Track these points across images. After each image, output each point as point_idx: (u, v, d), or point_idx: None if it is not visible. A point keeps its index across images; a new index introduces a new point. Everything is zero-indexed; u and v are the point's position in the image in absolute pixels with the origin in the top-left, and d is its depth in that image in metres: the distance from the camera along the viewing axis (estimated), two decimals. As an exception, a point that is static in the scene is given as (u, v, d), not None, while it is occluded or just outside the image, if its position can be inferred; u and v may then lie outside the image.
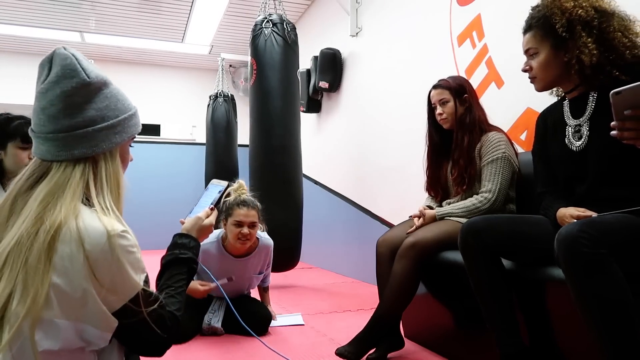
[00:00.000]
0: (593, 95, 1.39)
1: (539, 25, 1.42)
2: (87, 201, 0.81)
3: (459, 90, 1.94)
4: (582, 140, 1.39)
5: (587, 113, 1.40)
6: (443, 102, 1.95)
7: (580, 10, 1.35)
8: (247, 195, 2.17)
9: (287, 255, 3.34)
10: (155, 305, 0.85)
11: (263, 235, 2.28)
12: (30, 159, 1.54)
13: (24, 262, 0.71)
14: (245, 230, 2.08)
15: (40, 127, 0.81)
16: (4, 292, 0.70)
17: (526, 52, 1.49)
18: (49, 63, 0.82)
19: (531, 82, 1.51)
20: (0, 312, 0.70)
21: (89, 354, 0.80)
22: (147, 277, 0.86)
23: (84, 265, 0.73)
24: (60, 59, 0.81)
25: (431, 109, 2.02)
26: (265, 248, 2.28)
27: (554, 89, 1.58)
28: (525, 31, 1.48)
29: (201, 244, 2.26)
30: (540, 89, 1.52)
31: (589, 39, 1.33)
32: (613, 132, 1.09)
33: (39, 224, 0.74)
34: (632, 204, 1.24)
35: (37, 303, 0.69)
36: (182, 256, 1.04)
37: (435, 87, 1.99)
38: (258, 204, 2.17)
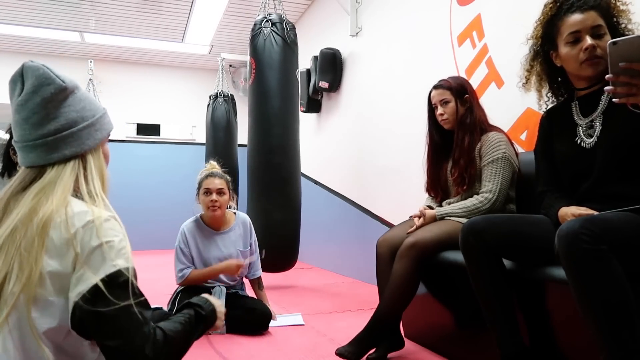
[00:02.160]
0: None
1: (601, 9, 1.36)
2: (76, 195, 0.87)
3: (460, 91, 1.94)
4: (594, 136, 1.38)
5: (600, 108, 1.38)
6: (444, 103, 1.95)
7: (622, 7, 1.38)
8: (216, 170, 2.40)
9: (284, 255, 3.33)
10: (134, 299, 0.81)
11: (239, 212, 2.49)
12: None
13: (18, 247, 0.76)
14: (214, 196, 2.28)
15: (27, 136, 0.86)
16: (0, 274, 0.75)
17: (593, 28, 1.35)
18: (20, 77, 0.87)
19: (593, 63, 1.35)
20: None
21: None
22: (134, 271, 0.84)
23: (71, 245, 0.78)
24: (33, 71, 0.86)
25: (432, 109, 2.02)
26: (244, 222, 2.46)
27: (547, 94, 1.57)
28: (588, 7, 1.35)
29: (185, 225, 2.34)
30: (598, 73, 1.36)
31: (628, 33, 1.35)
32: (607, 87, 1.08)
33: (32, 214, 0.79)
34: (636, 202, 1.24)
35: (32, 280, 0.74)
36: (200, 312, 1.00)
37: (436, 87, 1.99)
38: (227, 176, 2.38)
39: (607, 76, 1.07)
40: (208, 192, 2.29)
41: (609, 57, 1.04)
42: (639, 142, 1.14)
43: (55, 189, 0.83)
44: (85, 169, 0.89)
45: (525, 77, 1.58)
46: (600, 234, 1.08)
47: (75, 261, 0.78)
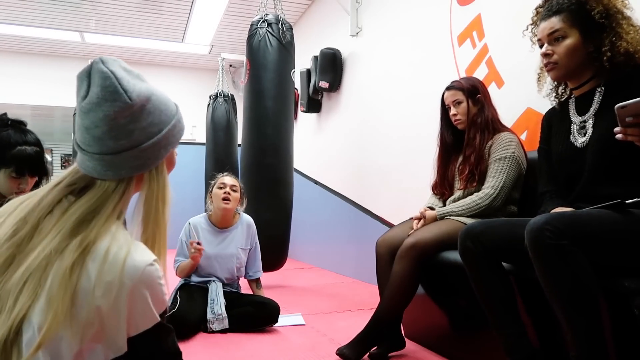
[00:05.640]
0: (600, 91, 1.39)
1: (572, 10, 1.37)
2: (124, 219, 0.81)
3: (472, 91, 1.95)
4: (586, 136, 1.40)
5: (592, 108, 1.40)
6: (456, 103, 1.96)
7: (617, 2, 1.37)
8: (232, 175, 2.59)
9: (273, 255, 3.31)
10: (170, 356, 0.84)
11: (243, 214, 2.60)
12: (19, 189, 1.50)
13: (47, 278, 0.70)
14: (228, 189, 2.42)
15: (87, 146, 0.80)
16: (25, 305, 0.69)
17: (550, 35, 1.40)
18: (87, 78, 0.79)
19: (549, 69, 1.43)
20: (20, 323, 0.68)
21: None
22: (166, 309, 0.82)
23: (106, 291, 0.71)
24: (100, 78, 0.78)
25: (444, 110, 2.04)
26: (247, 223, 2.56)
27: (553, 90, 1.58)
28: (551, 13, 1.40)
29: (192, 219, 2.46)
30: (558, 77, 1.45)
31: (621, 30, 1.34)
32: (618, 136, 1.14)
33: (67, 242, 0.73)
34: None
35: (58, 319, 0.68)
36: None
37: (448, 88, 2.01)
38: (240, 183, 2.55)
39: (616, 129, 1.14)
40: (223, 185, 2.43)
41: (617, 117, 1.13)
42: (628, 143, 1.15)
43: (101, 214, 0.77)
44: (139, 188, 0.83)
45: (538, 74, 1.63)
46: (563, 230, 1.12)
47: (105, 311, 0.71)
